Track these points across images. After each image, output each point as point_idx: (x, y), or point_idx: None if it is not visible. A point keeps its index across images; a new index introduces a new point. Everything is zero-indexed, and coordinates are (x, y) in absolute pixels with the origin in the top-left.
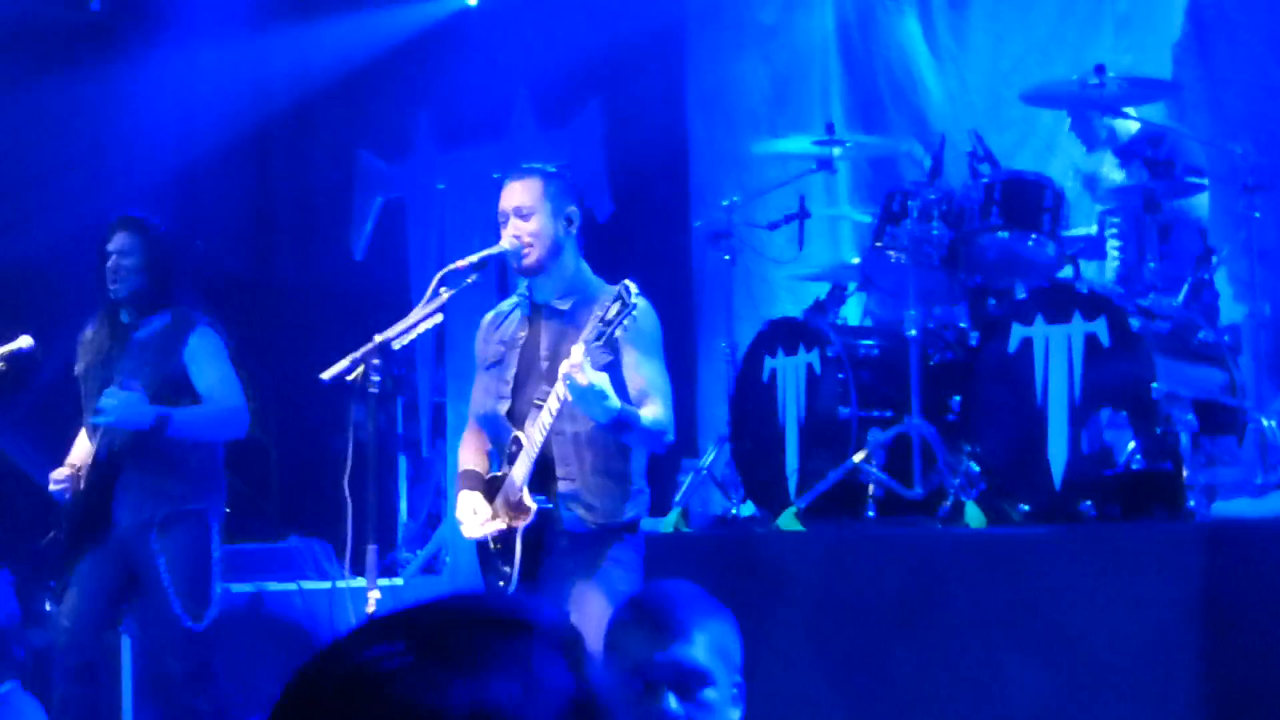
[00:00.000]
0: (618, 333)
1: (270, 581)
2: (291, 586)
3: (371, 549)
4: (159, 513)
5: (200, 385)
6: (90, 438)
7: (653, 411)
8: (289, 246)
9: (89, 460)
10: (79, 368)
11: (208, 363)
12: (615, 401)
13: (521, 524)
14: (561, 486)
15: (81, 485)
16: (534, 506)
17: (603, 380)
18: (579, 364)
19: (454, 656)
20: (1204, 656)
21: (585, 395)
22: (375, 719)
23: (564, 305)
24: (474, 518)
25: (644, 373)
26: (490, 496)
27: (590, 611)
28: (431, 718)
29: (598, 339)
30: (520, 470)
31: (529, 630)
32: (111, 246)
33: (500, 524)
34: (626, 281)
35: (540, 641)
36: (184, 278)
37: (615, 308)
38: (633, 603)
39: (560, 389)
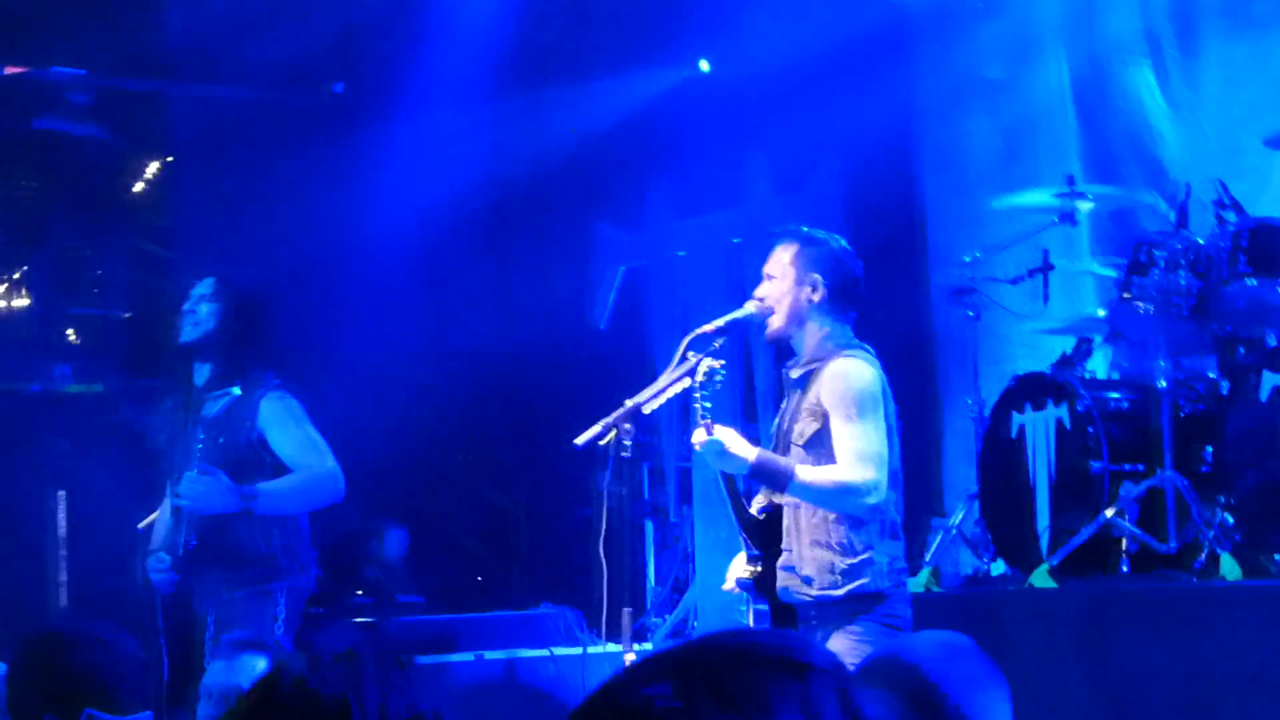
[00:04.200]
0: (700, 402)
1: (523, 649)
2: (544, 653)
3: (627, 612)
4: (230, 596)
5: (282, 453)
6: (169, 518)
7: (833, 471)
8: (529, 318)
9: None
10: (161, 440)
11: (286, 427)
12: (742, 454)
13: (755, 588)
14: (782, 558)
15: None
16: (744, 575)
17: (723, 435)
18: (702, 427)
19: (726, 697)
20: None
21: (706, 452)
22: None
23: (796, 373)
24: (731, 570)
25: (838, 435)
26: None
27: None
28: None
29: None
30: (751, 539)
31: (805, 670)
32: (196, 290)
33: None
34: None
35: (817, 682)
36: (261, 339)
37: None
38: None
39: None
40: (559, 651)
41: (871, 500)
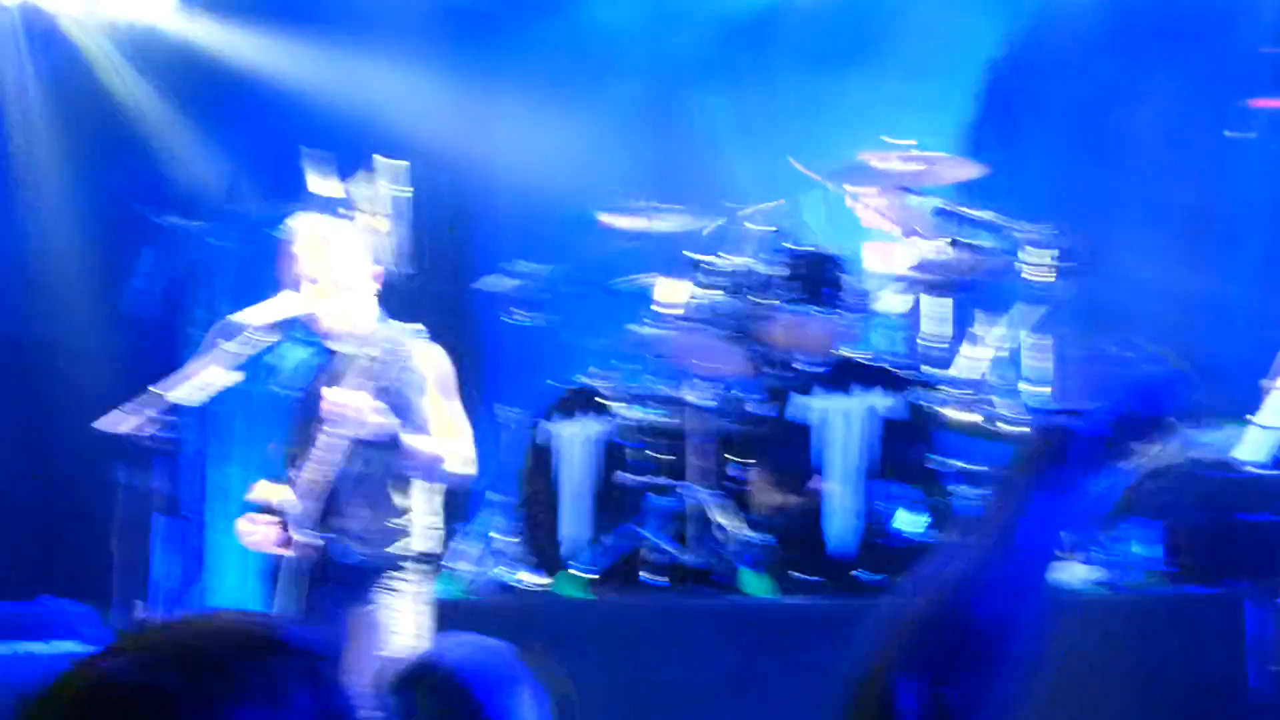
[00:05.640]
0: (403, 375)
1: (20, 643)
2: (43, 648)
3: (138, 606)
4: None
5: None
6: None
7: (448, 442)
8: (57, 298)
9: None
10: None
11: None
12: (378, 417)
13: (303, 555)
14: (341, 521)
15: None
16: (314, 541)
17: (359, 399)
18: (338, 392)
19: (191, 676)
20: None
21: (342, 415)
22: None
23: (346, 349)
24: (256, 534)
25: (442, 411)
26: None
27: (366, 639)
28: None
29: (370, 378)
30: (305, 505)
31: (277, 651)
32: None
33: (287, 552)
34: (409, 326)
35: (290, 662)
36: None
37: (386, 349)
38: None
39: (333, 425)
40: (60, 646)
41: (473, 470)
